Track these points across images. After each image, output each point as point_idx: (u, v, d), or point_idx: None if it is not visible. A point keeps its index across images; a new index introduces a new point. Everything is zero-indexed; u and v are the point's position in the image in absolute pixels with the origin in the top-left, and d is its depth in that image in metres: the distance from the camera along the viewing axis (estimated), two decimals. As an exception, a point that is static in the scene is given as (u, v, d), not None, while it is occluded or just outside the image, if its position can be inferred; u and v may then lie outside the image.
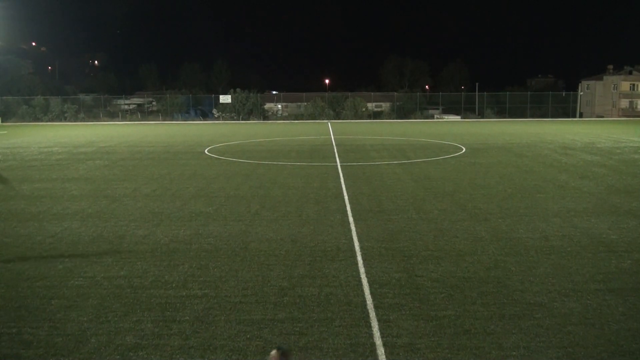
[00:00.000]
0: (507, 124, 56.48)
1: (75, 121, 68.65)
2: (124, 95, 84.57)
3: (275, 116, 74.34)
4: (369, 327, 7.30)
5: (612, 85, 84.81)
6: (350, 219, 13.25)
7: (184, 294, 8.55)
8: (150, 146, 33.08)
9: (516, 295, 8.39)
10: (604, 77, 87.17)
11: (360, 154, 27.58)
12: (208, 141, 36.34)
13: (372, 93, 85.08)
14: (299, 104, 76.16)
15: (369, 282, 8.97)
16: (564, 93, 78.78)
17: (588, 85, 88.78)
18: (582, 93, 79.55)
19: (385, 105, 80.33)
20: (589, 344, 6.80)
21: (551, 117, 69.73)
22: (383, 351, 6.64)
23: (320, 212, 14.15)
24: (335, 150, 29.44)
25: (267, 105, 75.92)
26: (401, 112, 72.49)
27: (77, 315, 7.76)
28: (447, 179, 19.23)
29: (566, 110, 73.26)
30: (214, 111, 74.40)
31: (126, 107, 79.22)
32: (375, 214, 13.87)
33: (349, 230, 12.25)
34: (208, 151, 29.80)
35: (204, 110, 75.67)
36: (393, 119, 70.64)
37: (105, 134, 44.99)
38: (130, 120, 70.34)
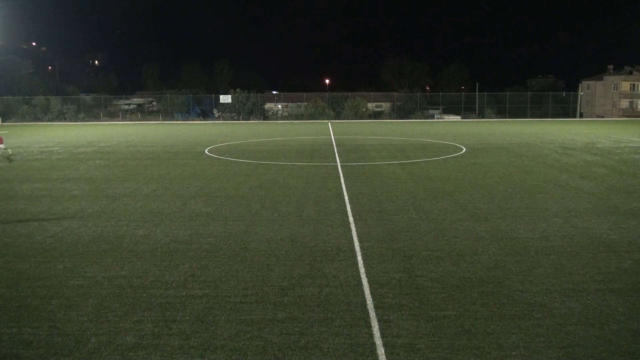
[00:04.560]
0: (507, 124, 56.47)
1: (75, 121, 68.67)
2: (124, 95, 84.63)
3: (275, 116, 74.34)
4: (369, 327, 7.30)
5: (613, 85, 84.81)
6: (350, 219, 13.25)
7: (184, 294, 8.55)
8: (150, 146, 33.09)
9: (516, 295, 8.38)
10: (604, 77, 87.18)
11: (361, 154, 27.58)
12: (208, 141, 36.35)
13: (372, 93, 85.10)
14: (299, 104, 76.18)
15: (369, 282, 8.96)
16: (564, 93, 78.77)
17: (588, 85, 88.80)
18: (582, 93, 79.56)
19: (385, 105, 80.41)
20: (589, 344, 6.80)
21: (551, 117, 69.73)
22: (383, 351, 6.63)
23: (320, 212, 14.15)
24: (336, 150, 29.44)
25: (267, 105, 75.94)
26: (401, 112, 72.51)
27: (77, 315, 7.76)
28: (447, 179, 19.23)
29: (566, 110, 73.25)
30: (215, 111, 74.42)
31: (126, 107, 79.24)
32: (375, 214, 13.87)
33: (349, 230, 12.25)
34: (208, 151, 29.80)
35: (204, 110, 75.67)
36: (393, 119, 70.64)
37: (105, 134, 45.00)
38: (130, 120, 70.33)
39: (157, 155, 27.78)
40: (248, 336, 7.06)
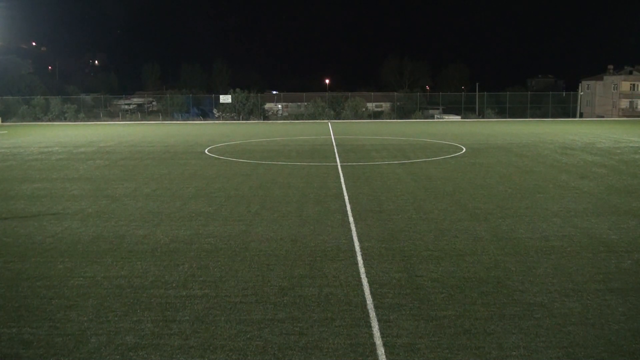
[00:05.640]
0: (507, 124, 56.48)
1: (75, 121, 68.67)
2: (124, 95, 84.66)
3: (275, 116, 74.35)
4: (369, 327, 7.30)
5: (613, 85, 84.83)
6: (350, 219, 13.25)
7: (184, 294, 8.55)
8: (150, 146, 33.09)
9: (516, 295, 8.38)
10: (604, 77, 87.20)
11: (361, 154, 27.58)
12: (208, 141, 36.35)
13: (372, 93, 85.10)
14: (299, 104, 76.21)
15: (369, 282, 8.96)
16: (564, 93, 78.79)
17: (588, 85, 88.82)
18: (582, 93, 79.56)
19: (385, 105, 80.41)
20: (589, 344, 6.80)
21: (551, 117, 69.72)
22: (383, 351, 6.63)
23: (320, 212, 14.15)
24: (336, 150, 29.44)
25: (267, 105, 75.94)
26: (401, 112, 72.51)
27: (77, 315, 7.76)
28: (447, 179, 19.23)
29: (566, 110, 73.24)
30: (214, 111, 74.43)
31: (126, 107, 79.25)
32: (376, 214, 13.87)
33: (349, 230, 12.25)
34: (208, 151, 29.80)
35: (204, 110, 75.69)
36: (393, 119, 70.65)
37: (105, 134, 45.00)
38: (130, 120, 70.34)
39: (157, 155, 27.78)
40: (248, 336, 7.06)
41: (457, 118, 70.77)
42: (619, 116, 78.84)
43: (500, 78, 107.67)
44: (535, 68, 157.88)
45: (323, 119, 68.30)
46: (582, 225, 12.55)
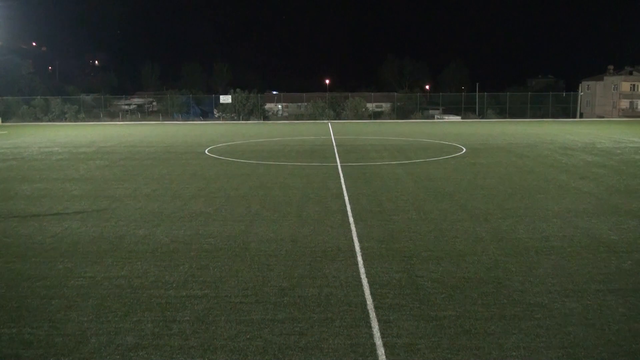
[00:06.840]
0: (508, 124, 56.47)
1: (75, 121, 68.67)
2: (124, 96, 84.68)
3: (275, 116, 74.38)
4: (369, 327, 7.30)
5: (613, 86, 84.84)
6: (351, 219, 13.24)
7: (184, 294, 8.55)
8: (150, 146, 33.09)
9: (516, 295, 8.38)
10: (605, 78, 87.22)
11: (361, 154, 27.58)
12: (208, 141, 36.35)
13: (372, 93, 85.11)
14: (299, 104, 76.29)
15: (369, 282, 8.96)
16: (564, 93, 78.75)
17: (588, 85, 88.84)
18: (582, 93, 79.56)
19: (385, 106, 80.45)
20: (589, 344, 6.80)
21: (551, 118, 69.73)
22: (383, 351, 6.63)
23: (320, 212, 14.15)
24: (336, 151, 29.44)
25: (268, 105, 75.97)
26: (401, 112, 72.52)
27: (77, 315, 7.76)
28: (447, 179, 19.23)
29: (566, 110, 73.24)
30: (215, 111, 74.44)
31: (126, 107, 79.26)
32: (376, 214, 13.86)
33: (349, 230, 12.24)
34: (208, 151, 29.80)
35: (204, 110, 75.71)
36: (393, 119, 70.66)
37: (105, 134, 45.00)
38: (130, 121, 70.34)
39: (157, 156, 27.78)
40: (248, 336, 7.06)
41: (457, 118, 70.76)
42: (619, 116, 78.85)
43: (500, 78, 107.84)
44: (535, 68, 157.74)
45: (323, 119, 68.30)
46: (582, 226, 12.55)
